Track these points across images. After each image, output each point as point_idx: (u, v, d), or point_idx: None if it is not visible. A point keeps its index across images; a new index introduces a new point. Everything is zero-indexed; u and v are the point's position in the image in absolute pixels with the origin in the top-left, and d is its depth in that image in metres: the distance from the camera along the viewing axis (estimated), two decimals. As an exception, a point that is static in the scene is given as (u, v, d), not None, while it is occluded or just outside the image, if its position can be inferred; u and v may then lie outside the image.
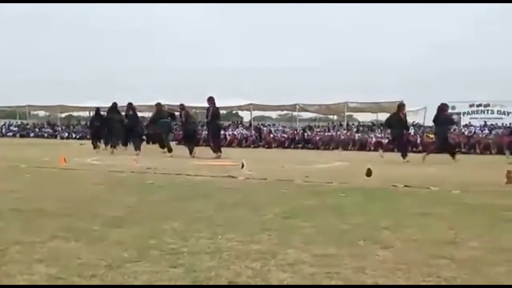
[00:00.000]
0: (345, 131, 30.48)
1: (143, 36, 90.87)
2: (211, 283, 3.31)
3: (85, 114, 47.73)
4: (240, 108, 38.25)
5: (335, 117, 39.23)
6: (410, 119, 33.01)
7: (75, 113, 49.70)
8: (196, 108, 39.71)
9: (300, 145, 29.08)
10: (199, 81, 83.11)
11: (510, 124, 30.03)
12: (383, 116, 35.89)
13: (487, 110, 32.95)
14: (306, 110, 36.56)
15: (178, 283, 3.32)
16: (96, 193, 7.51)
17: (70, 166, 12.33)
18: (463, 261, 3.83)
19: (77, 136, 39.87)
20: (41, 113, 52.76)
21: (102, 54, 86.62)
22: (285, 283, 3.35)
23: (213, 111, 18.12)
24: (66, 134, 41.32)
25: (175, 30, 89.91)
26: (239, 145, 30.32)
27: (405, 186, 8.70)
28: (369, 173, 10.31)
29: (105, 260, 3.76)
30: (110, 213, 5.79)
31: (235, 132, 32.78)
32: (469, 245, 4.39)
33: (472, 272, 3.57)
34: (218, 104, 35.62)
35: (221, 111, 46.00)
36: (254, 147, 29.66)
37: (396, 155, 17.31)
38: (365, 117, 39.07)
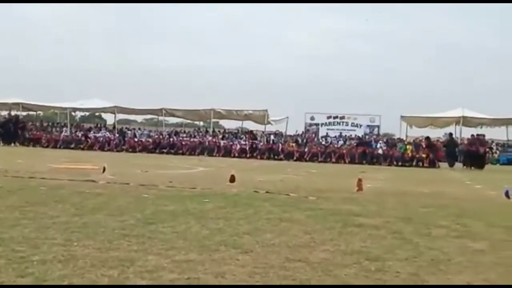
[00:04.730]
0: (210, 137, 30.78)
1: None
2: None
3: None
4: (104, 110, 36.86)
5: (202, 123, 39.45)
6: (273, 128, 34.45)
7: None
8: (54, 108, 37.62)
9: (165, 150, 28.79)
10: (58, 81, 78.28)
11: (361, 136, 32.47)
12: (247, 124, 36.95)
13: (342, 122, 35.27)
14: (173, 115, 36.29)
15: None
16: None
17: None
18: (316, 264, 4.03)
19: None
20: None
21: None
22: (143, 290, 3.25)
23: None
24: None
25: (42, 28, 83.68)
26: (101, 148, 29.22)
27: (266, 192, 8.99)
28: (232, 179, 10.50)
29: None
30: None
31: (97, 135, 31.51)
32: (323, 248, 4.63)
33: (324, 274, 3.77)
34: (80, 105, 35.49)
35: (83, 113, 44.00)
36: (117, 151, 28.76)
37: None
38: (231, 124, 39.79)
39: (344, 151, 27.68)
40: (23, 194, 7.46)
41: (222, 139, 30.89)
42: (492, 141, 33.36)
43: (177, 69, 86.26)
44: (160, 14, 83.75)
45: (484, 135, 27.99)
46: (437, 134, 32.35)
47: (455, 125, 31.30)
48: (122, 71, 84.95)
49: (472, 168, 24.52)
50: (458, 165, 26.01)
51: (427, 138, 27.83)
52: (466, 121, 30.40)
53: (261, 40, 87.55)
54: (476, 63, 79.29)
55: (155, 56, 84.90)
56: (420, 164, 25.83)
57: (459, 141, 29.41)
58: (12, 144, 29.47)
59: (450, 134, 28.78)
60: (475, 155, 25.30)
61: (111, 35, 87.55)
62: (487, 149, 28.72)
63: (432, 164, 25.33)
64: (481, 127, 30.80)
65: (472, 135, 27.52)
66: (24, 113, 36.39)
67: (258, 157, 27.40)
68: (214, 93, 70.42)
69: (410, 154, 26.86)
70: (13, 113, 34.19)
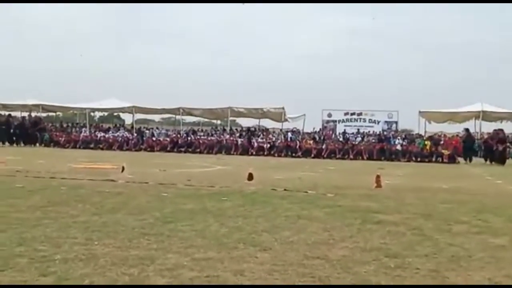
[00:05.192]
0: (228, 136, 30.82)
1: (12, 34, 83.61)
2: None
3: None
4: (122, 110, 37.14)
5: (219, 121, 39.49)
6: (290, 125, 34.34)
7: None
8: (73, 109, 38.04)
9: (183, 149, 28.90)
10: (71, 82, 78.69)
11: (379, 132, 32.22)
12: (265, 122, 36.91)
13: (360, 119, 34.99)
14: (190, 114, 36.40)
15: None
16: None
17: None
18: (335, 261, 4.03)
19: None
20: None
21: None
22: (163, 288, 3.28)
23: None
24: None
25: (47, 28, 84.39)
26: (120, 148, 29.45)
27: (284, 189, 8.98)
28: (250, 177, 10.52)
29: (-36, 270, 3.44)
30: (-28, 219, 5.31)
31: (116, 135, 31.78)
32: (341, 245, 4.63)
33: (343, 271, 3.76)
34: (99, 105, 35.98)
35: (102, 113, 44.06)
36: (136, 150, 28.95)
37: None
38: (248, 122, 39.74)
39: (362, 148, 27.51)
40: (44, 194, 7.57)
41: (240, 137, 30.89)
42: (513, 136, 32.88)
43: (176, 69, 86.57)
44: (159, 15, 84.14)
45: (502, 130, 27.57)
46: (456, 129, 31.95)
47: (475, 119, 30.91)
48: (124, 71, 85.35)
49: (492, 163, 24.21)
50: (478, 160, 25.71)
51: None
52: (485, 116, 30.00)
53: (261, 40, 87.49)
54: (499, 56, 78.09)
55: (154, 57, 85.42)
56: (440, 159, 25.59)
57: (478, 136, 29.00)
58: (33, 146, 29.99)
59: (467, 129, 28.42)
60: (495, 150, 24.98)
61: (111, 35, 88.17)
62: (508, 144, 28.31)
63: (452, 160, 25.07)
64: (501, 122, 30.37)
65: (495, 130, 27.17)
66: (44, 114, 36.88)
67: (276, 155, 27.36)
68: (215, 94, 70.47)
69: (429, 150, 26.61)
70: (33, 114, 34.70)
